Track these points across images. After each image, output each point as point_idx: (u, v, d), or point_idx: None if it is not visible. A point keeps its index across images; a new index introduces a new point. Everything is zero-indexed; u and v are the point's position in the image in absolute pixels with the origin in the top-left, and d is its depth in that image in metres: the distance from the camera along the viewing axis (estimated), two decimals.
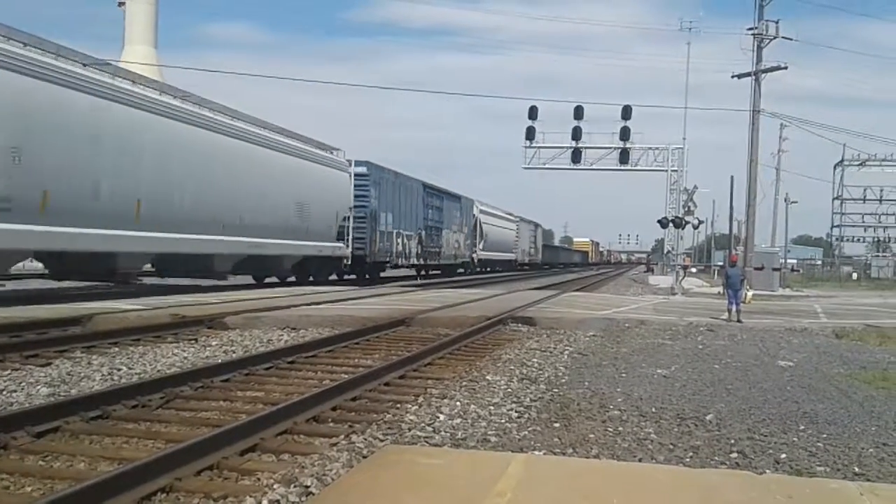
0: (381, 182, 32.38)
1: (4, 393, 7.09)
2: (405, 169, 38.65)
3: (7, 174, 13.64)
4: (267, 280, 26.91)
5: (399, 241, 34.45)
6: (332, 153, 28.81)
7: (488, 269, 54.12)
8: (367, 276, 32.02)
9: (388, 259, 33.42)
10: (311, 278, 27.28)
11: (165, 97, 18.94)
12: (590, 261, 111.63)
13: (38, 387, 7.40)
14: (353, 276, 31.58)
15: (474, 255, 49.43)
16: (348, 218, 28.73)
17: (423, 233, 38.53)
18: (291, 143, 25.60)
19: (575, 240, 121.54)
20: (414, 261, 37.64)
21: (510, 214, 61.63)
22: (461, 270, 46.89)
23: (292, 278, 27.21)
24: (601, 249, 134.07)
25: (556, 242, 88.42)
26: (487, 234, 51.87)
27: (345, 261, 29.16)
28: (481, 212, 50.69)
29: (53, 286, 19.37)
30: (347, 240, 28.74)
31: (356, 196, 29.76)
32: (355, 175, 29.78)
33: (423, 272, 41.14)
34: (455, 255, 45.01)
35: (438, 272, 43.19)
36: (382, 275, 34.85)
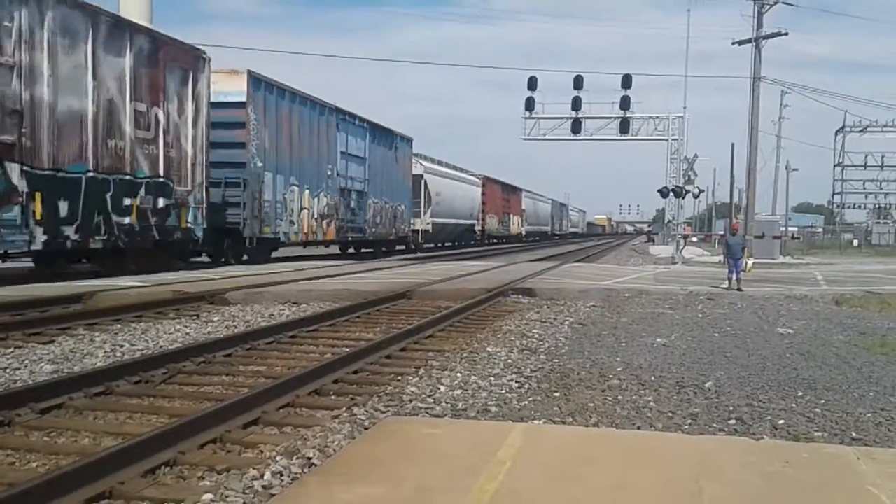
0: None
1: (8, 370, 7.14)
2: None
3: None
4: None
5: (556, 224, 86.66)
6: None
7: (569, 236, 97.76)
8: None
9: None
10: None
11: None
12: (606, 232, 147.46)
13: (42, 364, 7.45)
14: None
15: (567, 230, 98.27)
16: None
17: (554, 224, 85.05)
18: None
19: (595, 216, 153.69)
20: (547, 230, 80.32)
21: (578, 208, 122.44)
22: (558, 236, 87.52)
23: None
24: (612, 223, 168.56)
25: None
26: (572, 219, 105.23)
27: None
28: (570, 208, 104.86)
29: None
30: None
31: None
32: None
33: (557, 237, 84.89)
34: (568, 228, 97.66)
35: (568, 238, 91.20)
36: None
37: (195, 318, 10.96)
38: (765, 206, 49.52)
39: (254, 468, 4.34)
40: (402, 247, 35.82)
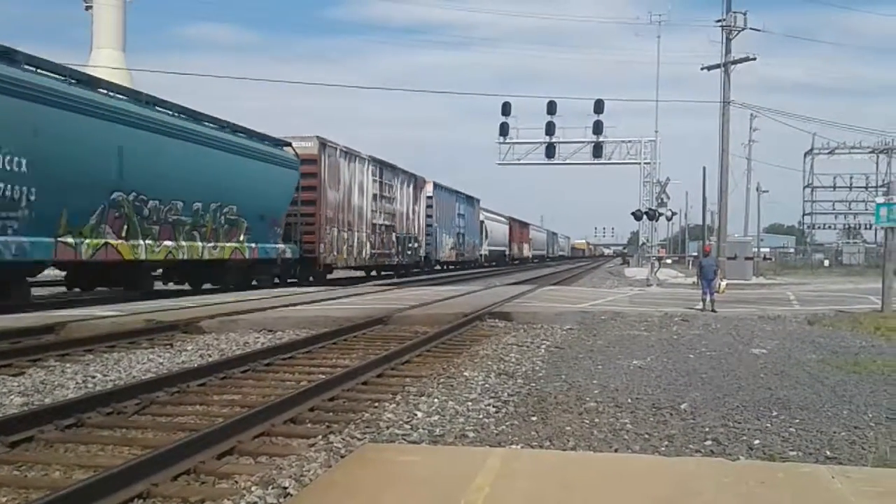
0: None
1: None
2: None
3: None
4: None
5: (549, 248, 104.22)
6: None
7: (557, 258, 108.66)
8: None
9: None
10: None
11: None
12: (585, 255, 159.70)
13: (12, 396, 7.31)
14: None
15: (556, 253, 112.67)
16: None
17: (548, 249, 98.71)
18: None
19: (576, 241, 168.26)
20: (543, 254, 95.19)
21: (564, 235, 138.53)
22: (550, 258, 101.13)
23: None
24: (591, 246, 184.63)
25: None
26: (560, 244, 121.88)
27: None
28: (559, 236, 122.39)
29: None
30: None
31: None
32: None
33: (549, 259, 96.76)
34: (558, 252, 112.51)
35: (558, 259, 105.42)
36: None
37: (169, 347, 10.83)
38: (737, 227, 50.08)
39: (228, 499, 4.28)
40: (474, 263, 55.39)
